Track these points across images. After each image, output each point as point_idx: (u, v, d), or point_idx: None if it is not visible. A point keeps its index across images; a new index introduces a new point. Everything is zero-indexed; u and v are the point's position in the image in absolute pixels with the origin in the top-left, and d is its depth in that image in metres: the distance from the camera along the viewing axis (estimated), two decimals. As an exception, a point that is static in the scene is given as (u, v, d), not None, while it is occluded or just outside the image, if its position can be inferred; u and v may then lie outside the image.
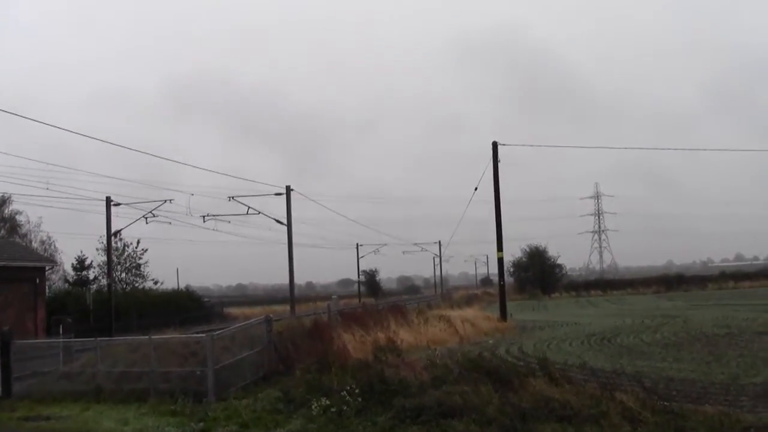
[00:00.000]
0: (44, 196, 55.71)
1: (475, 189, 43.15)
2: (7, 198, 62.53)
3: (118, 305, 49.95)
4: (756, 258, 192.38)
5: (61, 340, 23.30)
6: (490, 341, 28.02)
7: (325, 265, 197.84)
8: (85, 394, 17.95)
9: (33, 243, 65.05)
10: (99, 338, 21.09)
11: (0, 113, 23.74)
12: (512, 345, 25.97)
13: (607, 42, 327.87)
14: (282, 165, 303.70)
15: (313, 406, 13.87)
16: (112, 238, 51.37)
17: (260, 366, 19.56)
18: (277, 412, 14.43)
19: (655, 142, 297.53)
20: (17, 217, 65.68)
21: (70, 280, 61.60)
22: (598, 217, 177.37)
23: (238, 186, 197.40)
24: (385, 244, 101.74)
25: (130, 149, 73.15)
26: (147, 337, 20.35)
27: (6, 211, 65.21)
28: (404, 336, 25.30)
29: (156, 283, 66.57)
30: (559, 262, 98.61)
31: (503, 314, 39.74)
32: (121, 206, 48.82)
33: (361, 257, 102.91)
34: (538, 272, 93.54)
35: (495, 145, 40.55)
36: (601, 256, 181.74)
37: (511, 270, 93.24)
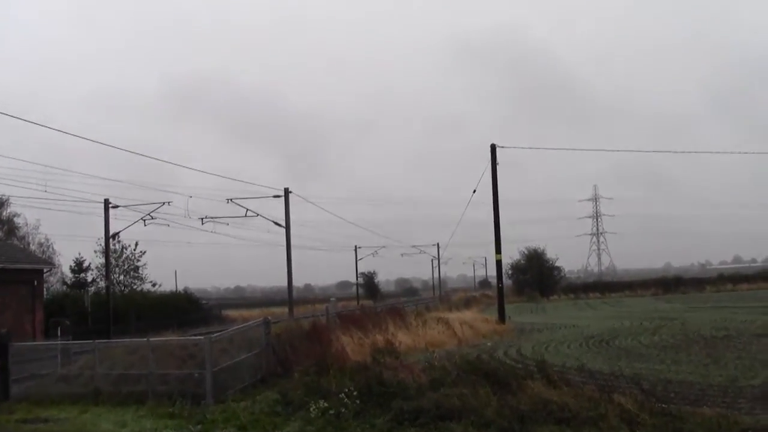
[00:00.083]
0: (42, 198, 55.87)
1: (474, 191, 43.26)
2: (5, 200, 62.52)
3: (116, 307, 49.91)
4: (754, 260, 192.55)
5: (59, 342, 23.26)
6: (489, 343, 28.04)
7: (324, 268, 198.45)
8: (84, 397, 17.94)
9: (31, 245, 64.97)
10: (97, 340, 21.07)
11: (-2, 115, 23.62)
12: (510, 347, 25.95)
13: (606, 43, 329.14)
14: (280, 167, 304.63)
15: (311, 409, 13.87)
16: (111, 240, 51.33)
17: (258, 368, 19.55)
18: (276, 414, 14.42)
19: (654, 144, 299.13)
20: (15, 219, 65.65)
21: (68, 282, 61.61)
22: (597, 220, 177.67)
23: (236, 188, 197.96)
24: (384, 247, 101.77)
25: (129, 151, 73.18)
26: (145, 339, 20.32)
27: (4, 213, 65.17)
28: (402, 338, 25.31)
29: (154, 285, 66.73)
30: (557, 264, 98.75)
31: (501, 316, 39.73)
32: (119, 208, 48.85)
33: (360, 259, 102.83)
34: (536, 274, 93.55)
35: (493, 147, 40.55)
36: (599, 259, 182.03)
37: (510, 272, 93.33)
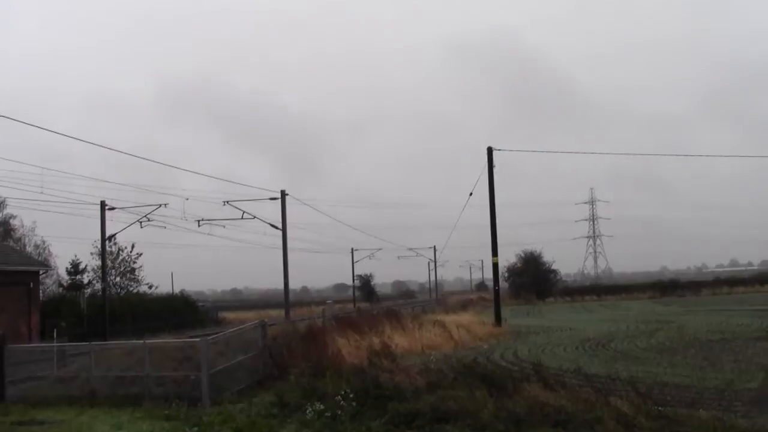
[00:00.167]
0: (38, 200, 55.83)
1: (470, 194, 43.24)
2: (2, 201, 62.45)
3: (112, 309, 49.84)
4: (750, 264, 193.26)
5: (55, 344, 23.24)
6: (485, 346, 28.06)
7: (320, 270, 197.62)
8: (80, 399, 17.95)
9: (27, 247, 64.88)
10: (93, 342, 21.07)
11: (-5, 117, 23.60)
12: (507, 350, 25.97)
13: (602, 46, 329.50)
14: (277, 169, 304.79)
15: (307, 411, 13.87)
16: (107, 242, 51.25)
17: (255, 371, 19.55)
18: (272, 416, 14.43)
19: (651, 147, 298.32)
20: (11, 220, 65.58)
21: (65, 284, 61.49)
22: (593, 222, 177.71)
23: (233, 190, 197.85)
24: (380, 249, 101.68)
25: (125, 153, 73.29)
26: (141, 341, 20.32)
27: (0, 215, 65.08)
28: (399, 341, 25.28)
29: (151, 287, 66.57)
30: (554, 267, 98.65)
31: (498, 319, 39.73)
32: (115, 210, 48.73)
33: (356, 262, 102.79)
34: (533, 277, 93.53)
35: (490, 150, 40.60)
36: (595, 262, 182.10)
37: (506, 275, 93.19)
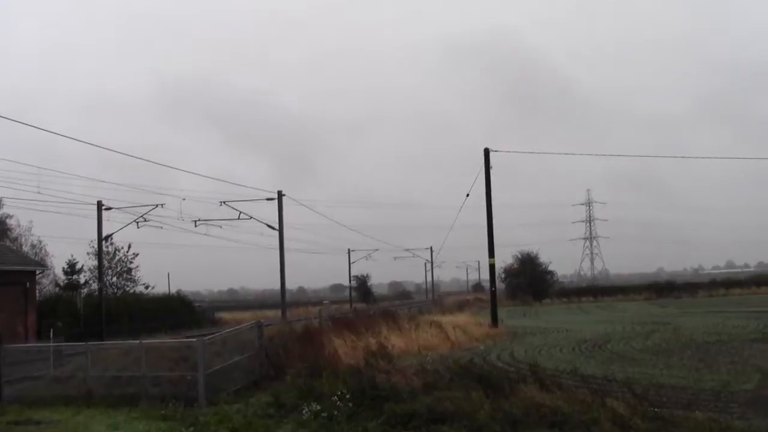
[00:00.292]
0: (35, 200, 55.61)
1: (467, 195, 43.26)
2: (-2, 201, 62.26)
3: (109, 309, 49.76)
4: (747, 265, 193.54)
5: (52, 344, 23.21)
6: (482, 347, 28.06)
7: (317, 270, 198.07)
8: (76, 399, 17.94)
9: (23, 247, 64.77)
10: (90, 342, 21.05)
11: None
12: (503, 351, 25.98)
13: (600, 46, 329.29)
14: (275, 169, 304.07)
15: (304, 411, 13.89)
16: (104, 242, 51.19)
17: (251, 371, 19.55)
18: (268, 417, 14.44)
19: (649, 148, 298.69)
20: (8, 220, 65.45)
21: (61, 284, 61.40)
22: (590, 224, 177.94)
23: (230, 190, 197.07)
24: (377, 250, 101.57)
25: (122, 153, 73.08)
26: (138, 341, 20.32)
27: (-4, 215, 64.96)
28: (395, 342, 25.32)
29: (147, 287, 66.44)
30: (550, 268, 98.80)
31: (494, 320, 39.75)
32: (112, 210, 48.62)
33: (353, 262, 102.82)
34: (529, 278, 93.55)
35: (487, 151, 40.64)
36: (592, 263, 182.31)
37: (503, 276, 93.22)
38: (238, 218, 51.26)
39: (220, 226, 53.56)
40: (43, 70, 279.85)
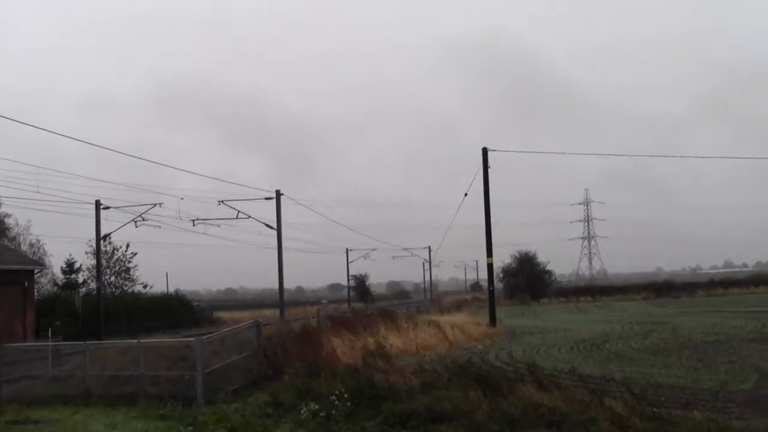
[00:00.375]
0: (33, 199, 55.49)
1: (465, 194, 43.25)
2: (-4, 200, 62.14)
3: (107, 309, 49.77)
4: (745, 265, 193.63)
5: (50, 343, 23.22)
6: (480, 347, 28.06)
7: (315, 270, 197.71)
8: (75, 398, 17.94)
9: (22, 246, 64.70)
10: (88, 342, 21.06)
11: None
12: (501, 350, 25.98)
13: (598, 46, 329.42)
14: (273, 169, 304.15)
15: (302, 411, 13.89)
16: (102, 241, 51.19)
17: (249, 370, 19.55)
18: (267, 416, 14.44)
19: (649, 148, 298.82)
20: (6, 219, 65.36)
21: (59, 283, 61.32)
22: (588, 223, 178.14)
23: (228, 190, 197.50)
24: (375, 249, 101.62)
25: (120, 153, 73.03)
26: (136, 340, 20.33)
27: (-5, 214, 64.85)
28: (394, 341, 25.30)
29: (145, 286, 66.49)
30: (548, 268, 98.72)
31: (492, 320, 39.76)
32: (110, 209, 48.65)
33: (351, 262, 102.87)
34: (527, 278, 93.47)
35: (485, 151, 40.64)
36: (590, 263, 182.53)
37: (501, 275, 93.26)
38: (237, 217, 51.37)
39: (219, 226, 53.68)
40: (43, 70, 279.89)
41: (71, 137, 64.28)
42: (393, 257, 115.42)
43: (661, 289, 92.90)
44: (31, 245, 67.01)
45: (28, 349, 23.66)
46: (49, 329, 35.07)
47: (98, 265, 52.00)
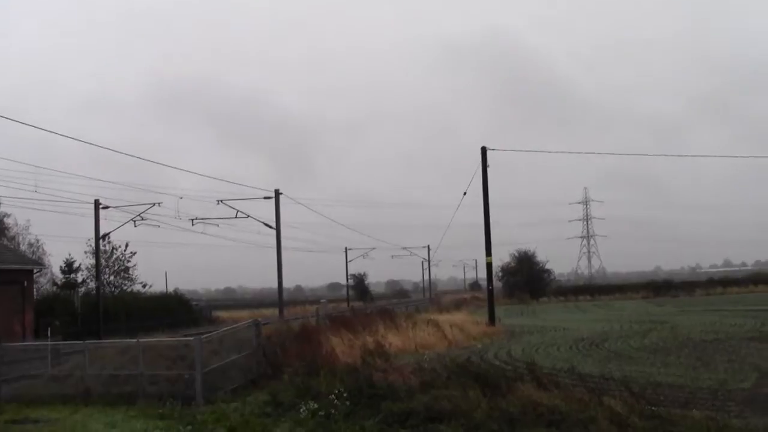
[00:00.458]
0: (32, 199, 55.49)
1: (464, 194, 43.30)
2: (-5, 200, 62.07)
3: (106, 308, 49.75)
4: (744, 264, 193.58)
5: (49, 342, 23.20)
6: (479, 346, 28.07)
7: (314, 269, 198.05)
8: (74, 397, 17.95)
9: (21, 246, 64.60)
10: (87, 341, 21.05)
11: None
12: (501, 349, 25.99)
13: (597, 46, 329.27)
14: (273, 169, 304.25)
15: (301, 410, 13.89)
16: (101, 241, 51.18)
17: (249, 370, 19.55)
18: (266, 415, 14.44)
19: (645, 148, 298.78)
20: (5, 219, 65.28)
21: (58, 282, 61.26)
22: (587, 222, 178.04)
23: (227, 189, 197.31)
24: (374, 248, 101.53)
25: (119, 152, 73.05)
26: (135, 340, 20.32)
27: (-6, 214, 64.77)
28: (393, 340, 25.32)
29: (144, 286, 66.48)
30: (547, 267, 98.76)
31: (491, 319, 39.76)
32: (109, 209, 48.66)
33: (350, 261, 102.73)
34: (526, 277, 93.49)
35: (484, 150, 40.64)
36: (589, 261, 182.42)
37: (500, 275, 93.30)
38: (236, 217, 51.35)
39: (218, 225, 53.73)
40: (43, 70, 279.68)
41: (70, 137, 64.48)
42: (392, 256, 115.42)
43: (660, 287, 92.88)
44: (30, 245, 66.97)
45: (28, 348, 23.66)
46: (48, 329, 35.06)
47: (97, 265, 51.97)
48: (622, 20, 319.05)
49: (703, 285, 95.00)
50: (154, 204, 48.11)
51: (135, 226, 49.78)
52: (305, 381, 16.07)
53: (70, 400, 17.79)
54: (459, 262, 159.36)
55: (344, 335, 24.34)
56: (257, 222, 52.41)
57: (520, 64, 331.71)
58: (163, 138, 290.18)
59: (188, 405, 16.10)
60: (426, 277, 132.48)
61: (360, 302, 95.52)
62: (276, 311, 55.45)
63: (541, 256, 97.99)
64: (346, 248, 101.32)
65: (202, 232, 53.89)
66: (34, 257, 59.96)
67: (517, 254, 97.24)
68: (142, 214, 48.60)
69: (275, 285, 55.53)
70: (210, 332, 22.05)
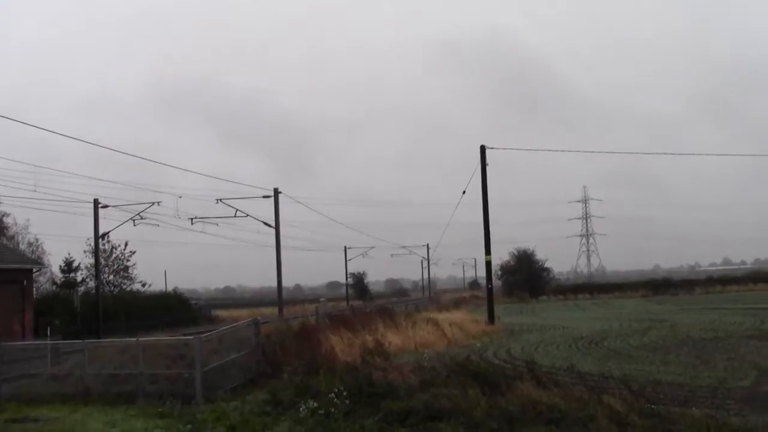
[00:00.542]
0: (32, 198, 55.61)
1: (463, 192, 43.31)
2: (-6, 199, 62.03)
3: (105, 307, 49.75)
4: (743, 262, 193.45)
5: (49, 342, 23.21)
6: (478, 344, 28.06)
7: (314, 268, 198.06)
8: (73, 396, 17.93)
9: (20, 245, 64.54)
10: (87, 340, 21.04)
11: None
12: (500, 348, 25.99)
13: (596, 46, 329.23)
14: (272, 168, 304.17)
15: (301, 409, 13.89)
16: (100, 240, 51.18)
17: (248, 368, 19.55)
18: (265, 414, 14.44)
19: (645, 146, 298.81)
20: (4, 218, 65.22)
21: (58, 282, 61.24)
22: (586, 221, 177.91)
23: (226, 188, 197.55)
24: (373, 247, 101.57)
25: (118, 151, 73.06)
26: (135, 339, 20.31)
27: (-7, 213, 64.72)
28: (392, 339, 25.32)
29: (144, 285, 66.51)
30: (546, 265, 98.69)
31: (491, 317, 39.76)
32: (108, 208, 48.68)
33: (350, 260, 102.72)
34: (526, 275, 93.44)
35: (483, 148, 40.62)
36: (588, 260, 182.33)
37: (499, 273, 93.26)
38: (235, 216, 51.37)
39: (217, 224, 53.78)
40: (43, 70, 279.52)
41: (70, 137, 64.45)
42: (391, 255, 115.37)
43: (659, 286, 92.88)
44: (30, 244, 66.89)
45: (27, 347, 23.65)
46: (48, 328, 35.09)
47: (97, 264, 51.97)
48: (622, 20, 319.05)
49: (702, 283, 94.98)
50: (153, 203, 48.16)
51: (134, 226, 49.89)
52: (305, 380, 16.08)
53: (69, 399, 17.78)
54: (458, 260, 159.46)
55: (344, 334, 24.34)
56: (256, 221, 52.51)
57: (520, 63, 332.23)
58: (163, 138, 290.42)
59: (188, 404, 16.11)
60: (425, 275, 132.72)
61: (359, 301, 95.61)
62: (275, 310, 55.46)
63: (540, 255, 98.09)
64: (345, 247, 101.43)
65: (201, 231, 54.06)
66: (33, 256, 59.91)
67: (516, 253, 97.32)
68: (141, 214, 48.65)
69: (274, 284, 55.55)
70: (209, 331, 22.04)
